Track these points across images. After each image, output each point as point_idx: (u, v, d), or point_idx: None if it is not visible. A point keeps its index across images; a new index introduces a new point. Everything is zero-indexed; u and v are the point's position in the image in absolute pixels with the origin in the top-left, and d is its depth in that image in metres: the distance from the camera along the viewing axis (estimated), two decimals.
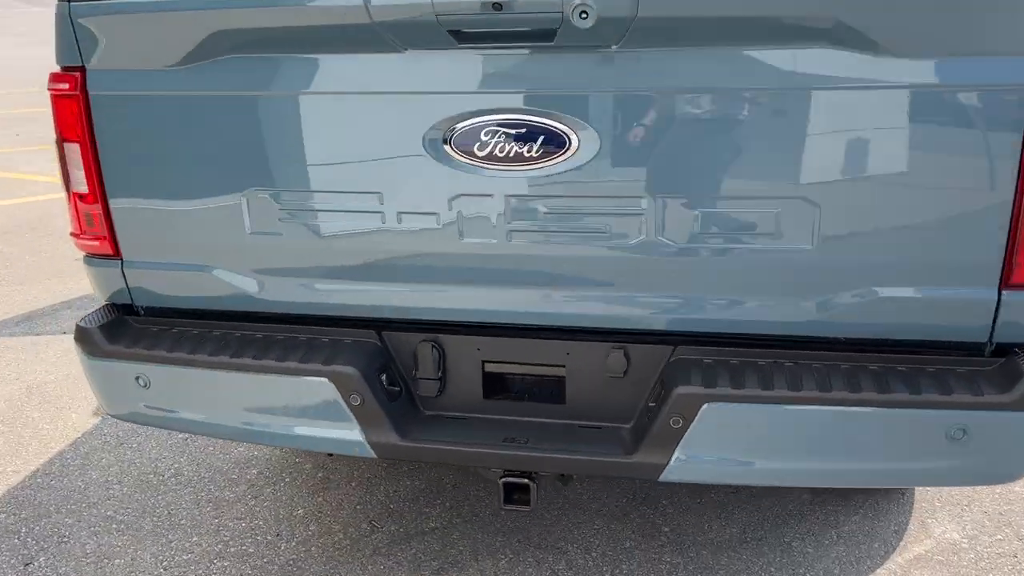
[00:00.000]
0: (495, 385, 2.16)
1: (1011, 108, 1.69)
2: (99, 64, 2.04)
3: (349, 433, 2.06)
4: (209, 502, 3.12)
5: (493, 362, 2.14)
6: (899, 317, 1.87)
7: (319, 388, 2.05)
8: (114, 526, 2.99)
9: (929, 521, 2.90)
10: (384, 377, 2.11)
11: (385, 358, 2.14)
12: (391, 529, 2.94)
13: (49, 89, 2.10)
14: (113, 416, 2.31)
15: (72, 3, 2.00)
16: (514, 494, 2.12)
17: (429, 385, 2.15)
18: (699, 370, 1.92)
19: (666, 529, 2.90)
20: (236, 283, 2.15)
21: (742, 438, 1.91)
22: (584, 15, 1.71)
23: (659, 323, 2.00)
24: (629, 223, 1.90)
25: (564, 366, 2.10)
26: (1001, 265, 1.79)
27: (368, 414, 2.04)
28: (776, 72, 1.75)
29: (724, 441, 1.91)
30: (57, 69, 2.10)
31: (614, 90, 1.83)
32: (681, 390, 1.88)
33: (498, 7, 1.74)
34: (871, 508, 2.97)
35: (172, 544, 2.88)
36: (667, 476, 1.94)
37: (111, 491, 3.20)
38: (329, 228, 2.05)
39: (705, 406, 1.87)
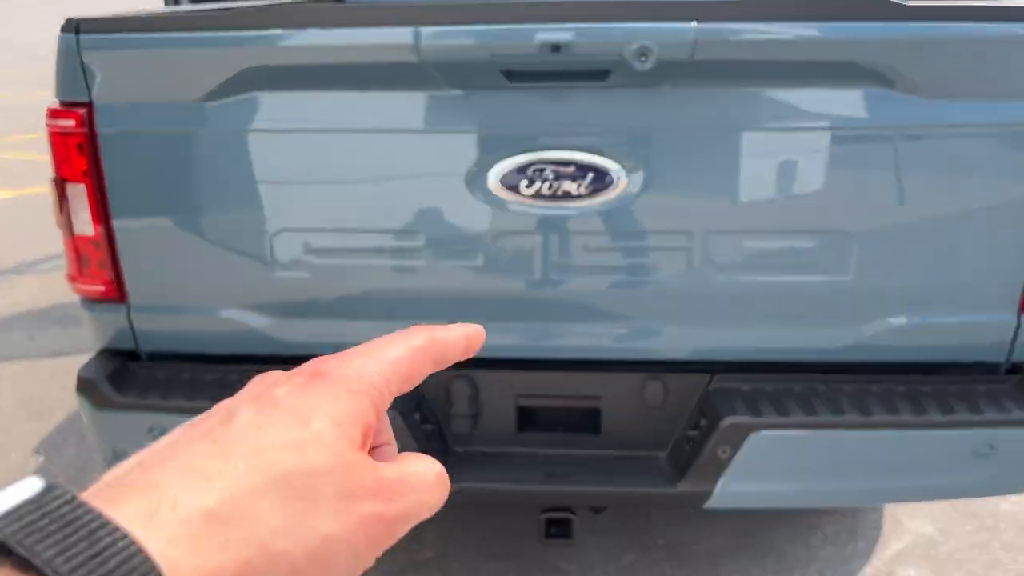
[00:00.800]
0: (529, 419, 2.15)
1: None
2: (109, 99, 1.91)
3: None
4: None
5: (527, 396, 2.13)
6: (926, 340, 1.97)
7: None
8: None
9: (903, 517, 3.06)
10: (417, 416, 2.07)
11: (417, 397, 2.09)
12: (386, 563, 2.87)
13: (48, 126, 1.96)
14: None
15: (81, 36, 1.87)
16: (552, 528, 2.12)
17: (463, 422, 2.13)
18: (742, 399, 1.97)
19: (661, 542, 2.96)
20: (257, 325, 2.06)
21: (786, 464, 1.97)
22: (644, 58, 1.72)
23: (697, 353, 2.04)
24: (672, 257, 1.93)
25: (600, 397, 2.11)
26: (1021, 290, 1.91)
27: None
28: (821, 111, 1.81)
29: (768, 467, 1.97)
30: (55, 104, 1.96)
31: (663, 128, 1.85)
32: (729, 420, 1.92)
33: (556, 49, 1.73)
34: (849, 508, 3.11)
35: None
36: (712, 504, 1.98)
37: None
38: (364, 266, 1.99)
39: (752, 435, 1.92)
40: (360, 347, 0.46)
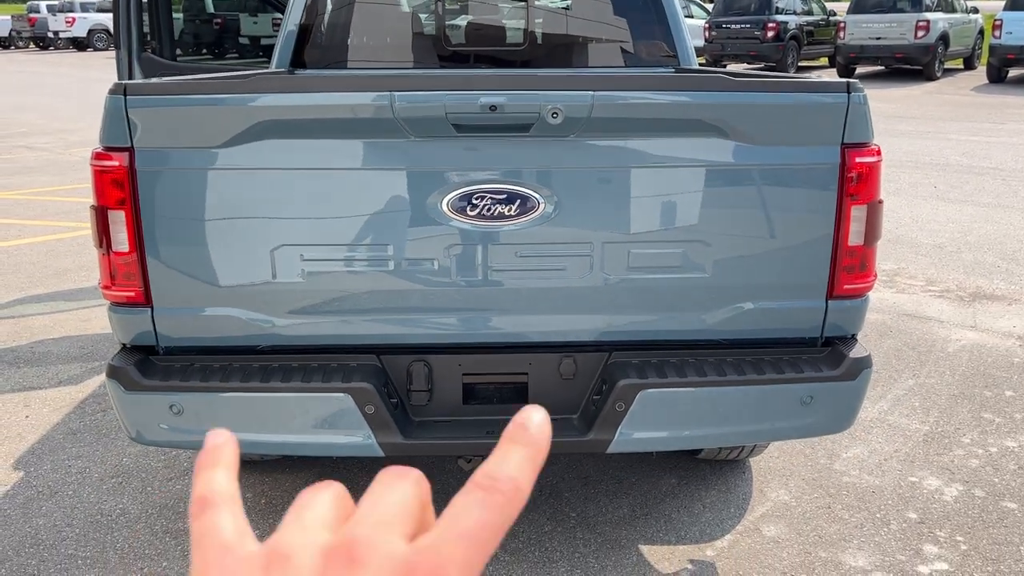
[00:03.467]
0: (472, 393, 2.76)
1: (827, 179, 2.57)
2: (146, 144, 2.47)
3: (363, 438, 2.58)
4: (166, 533, 3.42)
5: (471, 374, 2.75)
6: (765, 323, 2.69)
7: (340, 402, 2.56)
8: (79, 562, 3.23)
9: (765, 489, 3.77)
10: (386, 390, 2.65)
11: (385, 376, 2.68)
12: None
13: (93, 165, 2.50)
14: (142, 442, 2.67)
15: (128, 96, 2.43)
16: None
17: (421, 396, 2.72)
18: (633, 368, 2.64)
19: (572, 514, 3.57)
20: (259, 323, 2.62)
21: (667, 415, 2.64)
22: (555, 115, 2.42)
23: (600, 335, 2.70)
24: (580, 262, 2.60)
25: (527, 374, 2.74)
26: (827, 283, 2.66)
27: (379, 421, 2.58)
28: (681, 155, 2.53)
29: (654, 418, 2.63)
30: (99, 148, 2.50)
31: (570, 166, 2.53)
32: (623, 382, 2.58)
33: (493, 108, 2.40)
34: (723, 483, 3.81)
35: (144, 571, 3.18)
36: (613, 448, 2.62)
37: (63, 533, 3.41)
38: (344, 274, 2.59)
39: (641, 393, 2.58)
40: (368, 501, 0.42)
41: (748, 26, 21.19)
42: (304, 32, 4.56)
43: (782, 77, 2.69)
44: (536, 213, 2.53)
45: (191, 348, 2.68)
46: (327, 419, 2.59)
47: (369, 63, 4.72)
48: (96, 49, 36.72)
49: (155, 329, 2.63)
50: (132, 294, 2.59)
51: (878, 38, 19.93)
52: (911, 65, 20.37)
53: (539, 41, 4.84)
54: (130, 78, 5.58)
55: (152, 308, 2.61)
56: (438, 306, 2.65)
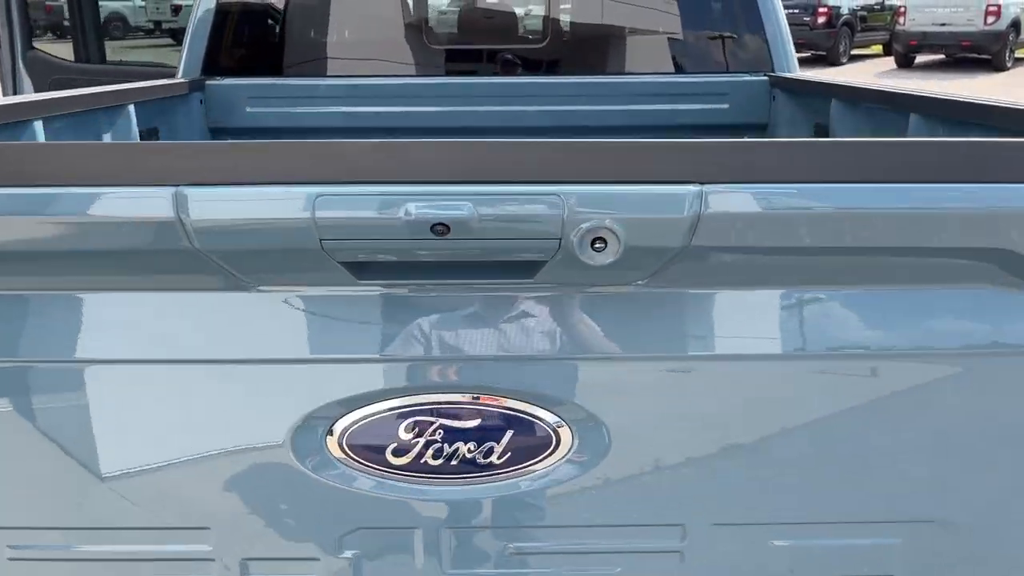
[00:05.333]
0: None
1: None
2: None
3: None
4: None
5: None
6: None
7: None
8: None
9: None
10: None
11: None
12: None
13: None
14: None
15: None
16: None
17: None
18: None
19: None
20: None
21: None
22: (601, 245, 0.94)
23: None
24: (646, 564, 1.14)
25: None
26: None
27: None
28: (896, 327, 1.06)
29: None
30: None
31: (630, 355, 1.06)
32: None
33: (443, 230, 0.93)
34: None
35: None
36: None
37: None
38: None
39: None
40: None
41: (797, 11, 19.45)
42: (225, 19, 3.12)
43: None
44: (552, 459, 1.08)
45: None
46: None
47: (316, 62, 3.26)
48: (112, 38, 35.59)
49: None
50: None
51: (942, 24, 18.16)
52: (978, 54, 18.58)
53: (565, 34, 3.34)
54: (14, 85, 4.15)
55: None
56: None
